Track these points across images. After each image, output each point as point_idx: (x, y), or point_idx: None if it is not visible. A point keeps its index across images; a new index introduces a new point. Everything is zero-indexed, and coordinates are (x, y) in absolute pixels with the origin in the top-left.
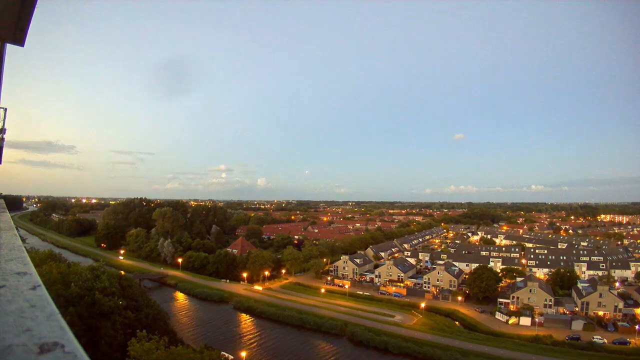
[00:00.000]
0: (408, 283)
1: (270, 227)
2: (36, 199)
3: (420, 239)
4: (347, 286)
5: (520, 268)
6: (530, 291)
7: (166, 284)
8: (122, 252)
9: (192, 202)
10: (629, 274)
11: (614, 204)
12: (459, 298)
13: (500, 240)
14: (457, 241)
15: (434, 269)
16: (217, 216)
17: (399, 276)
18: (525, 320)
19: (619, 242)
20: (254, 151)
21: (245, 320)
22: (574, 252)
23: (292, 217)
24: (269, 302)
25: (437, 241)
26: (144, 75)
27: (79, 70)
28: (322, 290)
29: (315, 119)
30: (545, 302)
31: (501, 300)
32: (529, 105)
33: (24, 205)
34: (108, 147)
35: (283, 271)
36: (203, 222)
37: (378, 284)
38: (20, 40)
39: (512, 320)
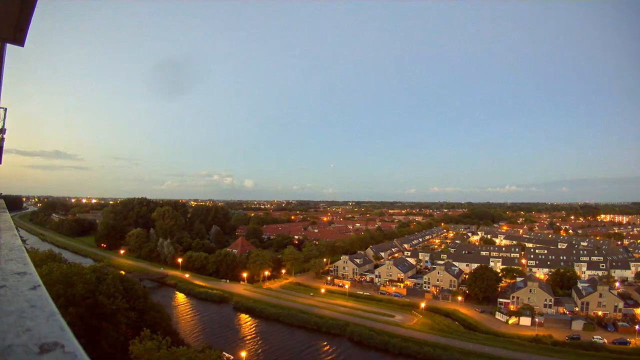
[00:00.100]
0: (408, 283)
1: (270, 227)
2: (36, 199)
3: (420, 239)
4: (347, 286)
5: (520, 268)
6: (530, 291)
7: (166, 284)
8: (122, 252)
9: (192, 202)
10: (629, 274)
11: (614, 204)
12: (459, 298)
13: (500, 240)
14: (457, 241)
15: (434, 269)
16: (217, 216)
17: (399, 276)
18: (525, 320)
19: (619, 242)
20: (255, 151)
21: (246, 320)
22: (574, 252)
23: (292, 217)
24: (269, 302)
25: (437, 241)
26: (144, 74)
27: (78, 70)
28: (322, 290)
29: (315, 119)
30: (545, 302)
31: (501, 300)
32: (529, 105)
33: (24, 205)
34: (108, 146)
35: (283, 271)
36: (203, 222)
37: (378, 284)
38: (20, 40)
39: (512, 320)
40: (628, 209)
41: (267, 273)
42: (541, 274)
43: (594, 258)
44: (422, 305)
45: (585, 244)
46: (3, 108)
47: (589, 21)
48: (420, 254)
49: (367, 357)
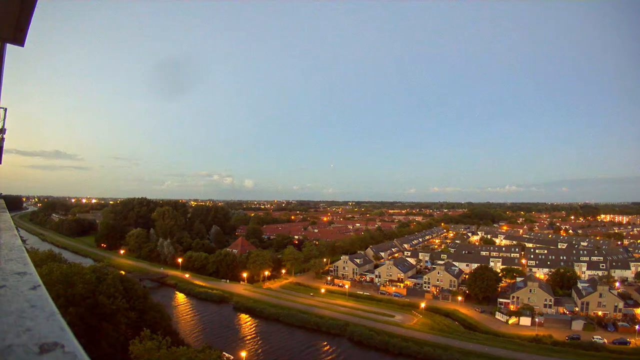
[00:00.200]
0: (408, 283)
1: (270, 227)
2: (36, 199)
3: (420, 239)
4: (347, 286)
5: (520, 268)
6: (530, 291)
7: (166, 284)
8: (122, 252)
9: (192, 202)
10: (629, 274)
11: (614, 204)
12: (459, 298)
13: (500, 240)
14: (457, 241)
15: (434, 269)
16: (217, 216)
17: (399, 276)
18: (525, 320)
19: (619, 242)
20: (255, 151)
21: (246, 320)
22: (574, 252)
23: (292, 217)
24: (269, 302)
25: (437, 241)
26: (144, 74)
27: (78, 70)
28: (322, 290)
29: (315, 119)
30: (545, 302)
31: (501, 300)
32: (529, 105)
33: (24, 205)
34: (108, 146)
35: (283, 271)
36: (203, 222)
37: (378, 284)
38: (20, 40)
39: (512, 320)
40: (628, 209)
41: (267, 273)
42: (541, 274)
43: (594, 258)
44: (422, 305)
45: (585, 244)
46: (3, 108)
47: (589, 21)
48: (420, 254)
49: (367, 357)
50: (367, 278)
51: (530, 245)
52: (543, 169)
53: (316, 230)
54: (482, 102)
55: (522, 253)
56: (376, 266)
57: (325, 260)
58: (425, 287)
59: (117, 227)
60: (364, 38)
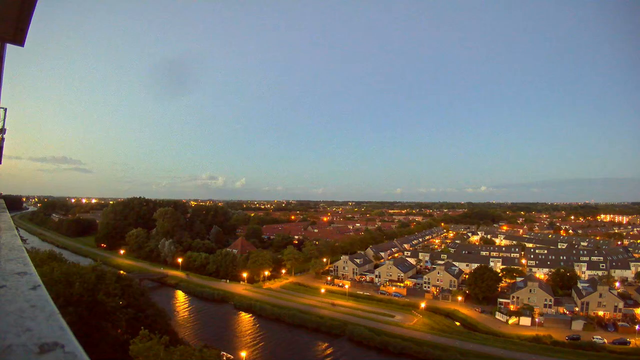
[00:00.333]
0: (408, 283)
1: (270, 227)
2: (36, 199)
3: (420, 239)
4: (347, 286)
5: (520, 268)
6: (530, 291)
7: (166, 284)
8: (122, 252)
9: (192, 202)
10: (629, 274)
11: (614, 204)
12: (459, 298)
13: (500, 240)
14: (457, 241)
15: (434, 269)
16: (218, 216)
17: (399, 276)
18: (525, 320)
19: (619, 242)
20: (255, 151)
21: (245, 320)
22: (574, 252)
23: (292, 217)
24: (269, 302)
25: (437, 241)
26: (144, 73)
27: (78, 70)
28: (322, 290)
29: (315, 119)
30: (545, 302)
31: (501, 300)
32: (530, 105)
33: (24, 205)
34: (107, 146)
35: (283, 271)
36: (203, 222)
37: (378, 284)
38: (20, 40)
39: (512, 320)
40: (628, 209)
41: (267, 273)
42: (541, 274)
43: (594, 258)
44: (422, 305)
45: (585, 244)
46: (3, 108)
47: (589, 21)
48: (420, 254)
49: (367, 357)
50: (367, 278)
51: (530, 245)
52: (543, 169)
53: (316, 230)
54: (482, 102)
55: (522, 253)
56: (376, 266)
57: (325, 260)
58: (425, 287)
59: (117, 227)
60: (363, 37)
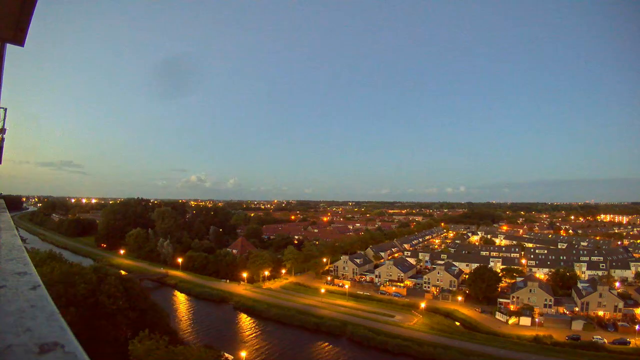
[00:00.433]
0: (408, 283)
1: (270, 227)
2: (36, 199)
3: (420, 239)
4: (347, 286)
5: (520, 268)
6: (530, 291)
7: (166, 284)
8: (122, 252)
9: (192, 202)
10: (629, 274)
11: (614, 204)
12: (459, 298)
13: (500, 240)
14: (457, 241)
15: (434, 269)
16: (217, 216)
17: (399, 276)
18: (525, 320)
19: (619, 242)
20: (255, 152)
21: (245, 320)
22: (574, 252)
23: (292, 217)
24: (269, 302)
25: (437, 241)
26: (144, 71)
27: (79, 70)
28: (322, 290)
29: (315, 119)
30: (545, 302)
31: (501, 300)
32: (530, 105)
33: (24, 205)
34: (107, 146)
35: (283, 271)
36: (203, 222)
37: (378, 284)
38: (20, 40)
39: (512, 320)
40: (628, 209)
41: (267, 273)
42: (541, 274)
43: (594, 258)
44: (422, 305)
45: (585, 244)
46: (3, 108)
47: (588, 21)
48: (420, 254)
49: (367, 357)
50: (367, 278)
51: (530, 245)
52: (543, 169)
53: (316, 230)
54: (482, 102)
55: (522, 253)
56: (376, 266)
57: (325, 260)
58: (425, 287)
59: (117, 227)
60: (364, 36)
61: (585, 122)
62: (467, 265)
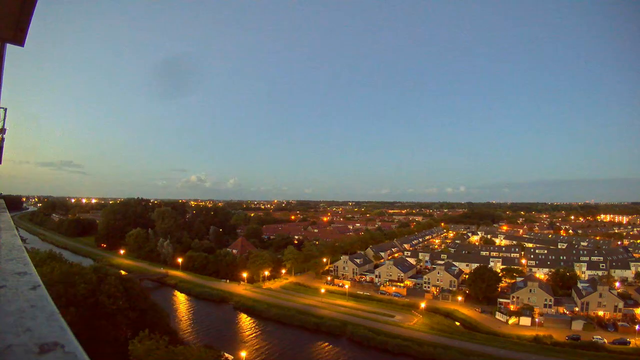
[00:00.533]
0: (408, 283)
1: (270, 227)
2: (36, 199)
3: (420, 239)
4: (347, 286)
5: (520, 268)
6: (530, 291)
7: (166, 284)
8: (122, 252)
9: (192, 202)
10: (629, 274)
11: (614, 204)
12: (459, 298)
13: (500, 240)
14: (457, 241)
15: (434, 269)
16: (217, 216)
17: (399, 276)
18: (525, 320)
19: (619, 242)
20: (255, 152)
21: (245, 320)
22: (574, 252)
23: (292, 217)
24: (269, 302)
25: (437, 241)
26: (143, 74)
27: (79, 70)
28: (322, 290)
29: (315, 119)
30: (545, 302)
31: (501, 300)
32: (530, 105)
33: (24, 205)
34: (107, 146)
35: (283, 271)
36: (203, 222)
37: (378, 284)
38: (20, 40)
39: (512, 320)
40: (628, 209)
41: (267, 273)
42: (541, 274)
43: (594, 258)
44: (422, 305)
45: (585, 244)
46: (3, 108)
47: (589, 22)
48: (420, 254)
49: (367, 357)
50: (367, 278)
51: (530, 245)
52: (543, 169)
53: (316, 230)
54: (482, 102)
55: (522, 253)
56: (376, 266)
57: (325, 260)
58: (425, 287)
59: (117, 227)
60: (364, 36)
61: (585, 122)
62: (467, 265)
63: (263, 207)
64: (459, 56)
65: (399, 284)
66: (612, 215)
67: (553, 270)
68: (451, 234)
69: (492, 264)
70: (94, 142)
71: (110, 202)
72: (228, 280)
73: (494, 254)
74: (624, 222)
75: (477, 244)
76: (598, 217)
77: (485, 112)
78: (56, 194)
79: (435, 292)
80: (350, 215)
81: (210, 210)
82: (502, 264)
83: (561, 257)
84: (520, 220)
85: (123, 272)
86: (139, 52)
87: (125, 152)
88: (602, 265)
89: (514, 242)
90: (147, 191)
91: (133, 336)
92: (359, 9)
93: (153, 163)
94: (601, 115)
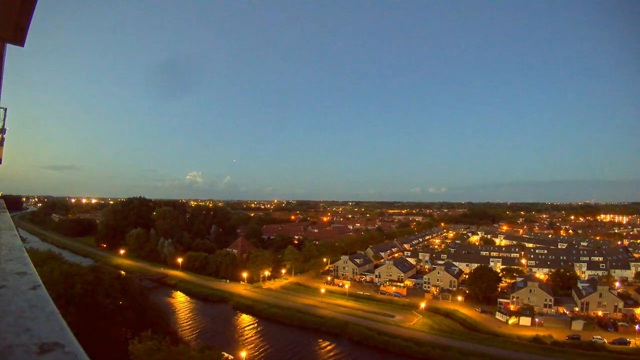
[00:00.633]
0: (408, 283)
1: (270, 227)
2: (36, 199)
3: (420, 239)
4: (347, 286)
5: (520, 268)
6: (530, 291)
7: (166, 284)
8: (122, 252)
9: (192, 202)
10: (629, 274)
11: (613, 204)
12: (459, 298)
13: (500, 240)
14: (457, 241)
15: (434, 269)
16: (218, 216)
17: (399, 276)
18: (525, 320)
19: (619, 242)
20: (255, 152)
21: (245, 320)
22: (574, 252)
23: (292, 217)
24: (269, 302)
25: (437, 241)
26: (143, 74)
27: (79, 70)
28: (322, 290)
29: (315, 119)
30: (545, 302)
31: (501, 300)
32: (530, 105)
33: (24, 205)
34: (107, 145)
35: (283, 271)
36: (203, 222)
37: (378, 284)
38: (20, 40)
39: (512, 320)
40: (628, 209)
41: (267, 273)
42: (541, 274)
43: (594, 258)
44: (422, 305)
45: (585, 244)
46: (3, 108)
47: (588, 20)
48: (420, 254)
49: (367, 357)
50: (367, 278)
51: (530, 245)
52: (544, 169)
53: (316, 230)
54: (482, 102)
55: (522, 253)
56: (376, 266)
57: (325, 260)
58: (425, 287)
59: (117, 227)
60: (364, 36)
61: (585, 122)
62: (467, 265)
63: (263, 207)
64: (459, 56)
65: (399, 284)
66: (612, 216)
67: (553, 270)
68: (451, 234)
69: (492, 264)
70: (94, 141)
71: (111, 202)
72: (228, 280)
73: (494, 254)
74: (624, 222)
75: (477, 244)
76: (598, 217)
77: (485, 111)
78: (56, 194)
79: (435, 292)
80: (350, 215)
81: (210, 210)
82: (502, 264)
83: (561, 257)
84: (520, 220)
85: (123, 272)
86: (138, 52)
87: (125, 152)
88: (602, 265)
89: (514, 242)
90: (147, 191)
91: (133, 336)
92: (358, 9)
93: (153, 163)
94: (601, 116)
